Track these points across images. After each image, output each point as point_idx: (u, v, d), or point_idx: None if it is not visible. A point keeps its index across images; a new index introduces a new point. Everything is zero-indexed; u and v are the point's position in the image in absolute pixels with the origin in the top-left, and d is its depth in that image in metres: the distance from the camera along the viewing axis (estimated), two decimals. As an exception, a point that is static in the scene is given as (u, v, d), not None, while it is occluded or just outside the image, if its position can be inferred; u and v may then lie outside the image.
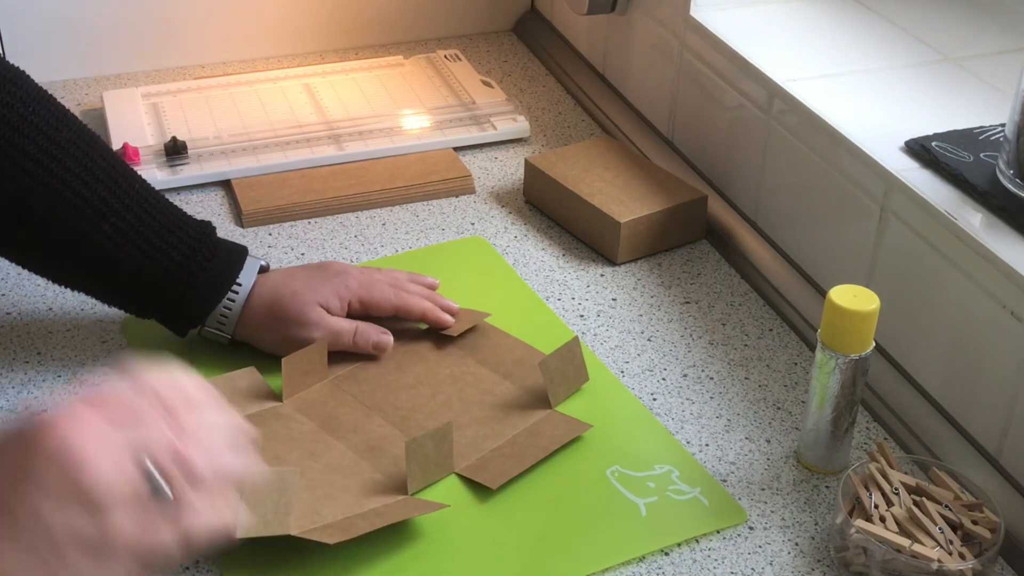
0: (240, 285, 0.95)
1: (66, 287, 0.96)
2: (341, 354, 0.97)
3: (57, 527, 0.53)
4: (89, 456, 0.54)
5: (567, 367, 0.94)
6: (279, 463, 0.86)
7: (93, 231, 0.91)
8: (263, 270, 0.98)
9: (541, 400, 0.94)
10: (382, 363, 0.98)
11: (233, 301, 0.95)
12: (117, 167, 0.93)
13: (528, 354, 0.99)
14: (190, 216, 0.96)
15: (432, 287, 1.02)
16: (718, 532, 0.84)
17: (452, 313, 1.00)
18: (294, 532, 0.79)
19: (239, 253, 0.97)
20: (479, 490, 0.86)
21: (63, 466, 0.54)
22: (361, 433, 0.90)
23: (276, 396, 0.94)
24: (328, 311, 0.96)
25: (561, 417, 0.93)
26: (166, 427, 0.58)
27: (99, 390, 0.57)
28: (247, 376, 0.94)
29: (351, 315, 0.98)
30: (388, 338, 0.97)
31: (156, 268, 0.93)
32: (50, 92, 0.93)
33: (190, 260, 0.94)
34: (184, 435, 0.58)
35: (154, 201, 0.94)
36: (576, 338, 0.95)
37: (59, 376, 0.96)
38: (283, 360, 0.93)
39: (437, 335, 1.01)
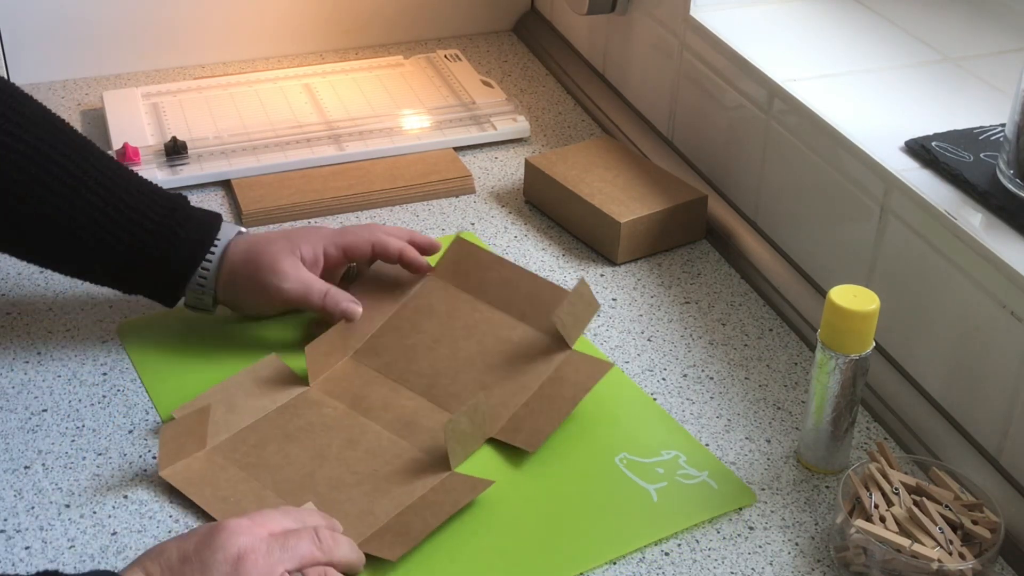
0: (219, 240, 0.97)
1: (52, 267, 0.96)
2: (354, 326, 0.98)
3: None
4: (250, 556, 0.70)
5: (577, 308, 0.96)
6: (322, 458, 0.88)
7: (75, 199, 0.92)
8: (241, 234, 0.99)
9: (559, 339, 0.96)
10: (396, 326, 0.99)
11: (213, 254, 0.96)
12: (85, 141, 0.95)
13: (536, 287, 1.00)
14: (160, 190, 0.98)
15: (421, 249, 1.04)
16: (718, 532, 0.84)
17: (431, 251, 1.02)
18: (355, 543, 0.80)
19: (215, 216, 0.98)
20: (513, 453, 0.88)
21: (230, 560, 0.70)
22: (393, 410, 0.92)
23: (301, 380, 0.95)
24: (303, 260, 0.97)
25: (582, 357, 0.95)
26: (312, 544, 0.74)
27: (261, 514, 0.75)
28: (270, 365, 0.95)
29: (330, 262, 0.99)
30: (357, 308, 0.97)
31: (138, 230, 0.94)
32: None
33: (170, 219, 0.95)
34: (323, 550, 0.74)
35: (125, 171, 0.96)
36: (582, 279, 0.96)
37: (59, 376, 0.96)
38: (306, 348, 0.94)
39: (442, 282, 1.02)
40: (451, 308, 1.00)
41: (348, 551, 0.76)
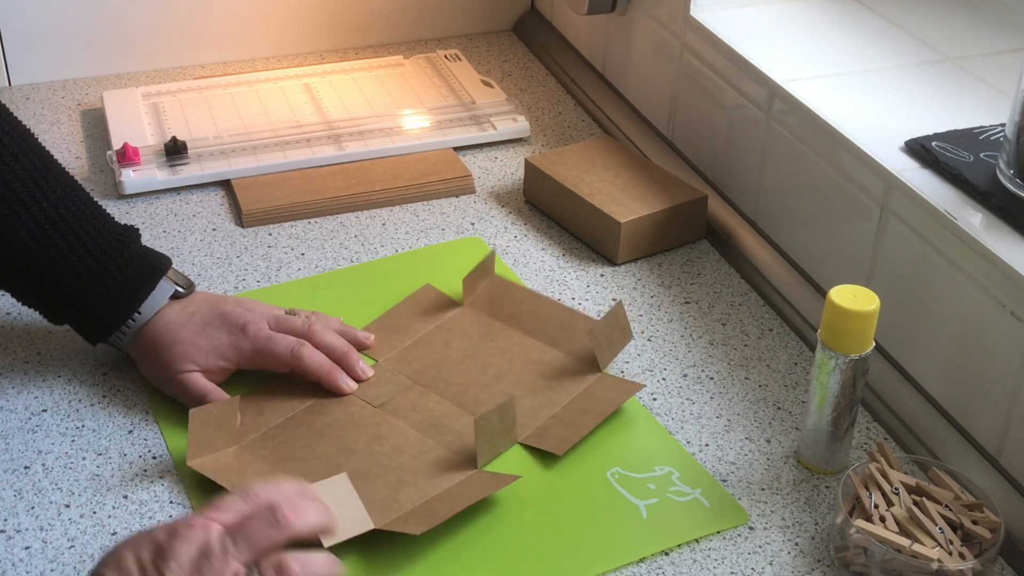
0: (140, 314, 0.93)
1: None
2: (386, 340, 0.99)
3: None
4: (204, 562, 0.68)
5: (613, 331, 0.96)
6: (349, 452, 0.88)
7: (8, 232, 0.90)
8: (179, 295, 0.95)
9: (590, 364, 0.96)
10: (429, 343, 0.99)
11: (129, 327, 0.93)
12: (41, 166, 0.92)
13: (569, 317, 1.01)
14: (114, 223, 0.95)
15: (361, 346, 0.98)
16: (718, 532, 0.84)
17: (359, 379, 0.95)
18: (378, 525, 0.81)
19: (152, 273, 0.94)
20: (542, 457, 0.89)
21: (185, 569, 0.68)
22: (420, 411, 0.92)
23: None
24: (205, 372, 0.92)
25: (613, 379, 0.95)
26: (267, 525, 0.71)
27: (220, 503, 0.72)
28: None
29: (239, 367, 0.94)
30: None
31: (63, 280, 0.92)
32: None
33: (96, 278, 0.92)
34: (279, 526, 0.71)
35: (74, 207, 0.92)
36: (620, 302, 0.97)
37: (59, 376, 0.96)
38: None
39: (477, 309, 1.03)
40: (484, 333, 1.00)
41: (313, 516, 0.73)
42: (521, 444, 0.90)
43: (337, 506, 0.79)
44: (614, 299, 1.05)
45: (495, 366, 0.97)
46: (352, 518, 0.80)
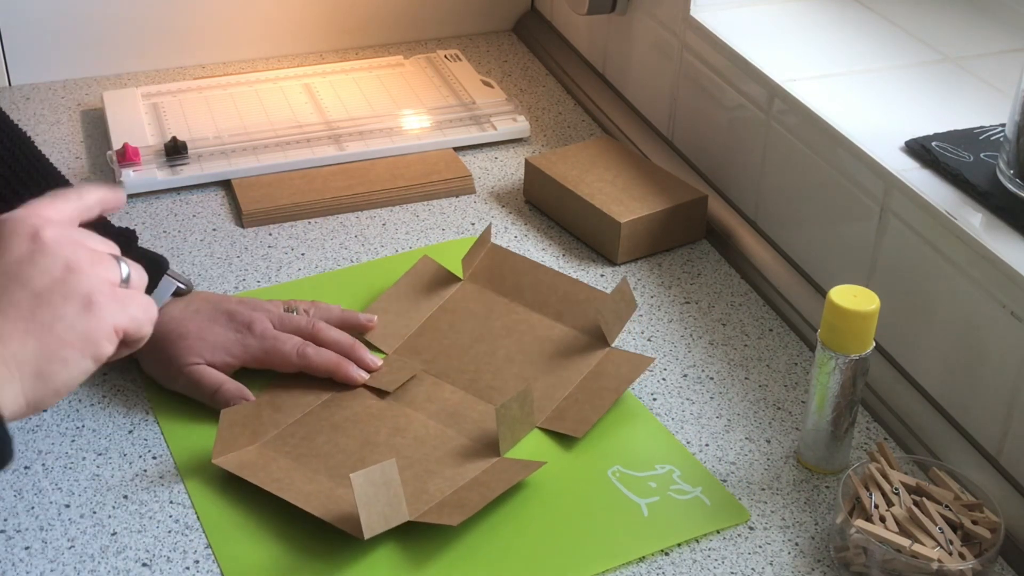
0: None
1: None
2: (391, 327, 0.99)
3: (44, 291, 0.65)
4: (46, 231, 0.66)
5: (619, 305, 0.98)
6: (371, 445, 0.88)
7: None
8: (180, 292, 0.95)
9: (598, 338, 0.98)
10: (436, 327, 1.00)
11: None
12: (38, 170, 0.92)
13: (572, 287, 1.02)
14: (111, 227, 0.95)
15: (363, 329, 0.99)
16: (718, 532, 0.84)
17: (370, 369, 0.95)
18: (413, 518, 0.81)
19: (153, 271, 0.92)
20: (549, 450, 0.89)
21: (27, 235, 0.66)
22: (437, 402, 0.93)
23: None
24: (212, 366, 0.92)
25: (622, 354, 0.96)
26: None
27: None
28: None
29: (248, 366, 0.94)
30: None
31: None
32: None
33: None
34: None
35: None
36: (625, 278, 0.99)
37: (59, 376, 0.96)
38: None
39: (477, 286, 1.03)
40: (488, 310, 1.01)
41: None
42: (539, 428, 0.91)
43: (382, 493, 0.79)
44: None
45: (504, 348, 0.97)
46: (392, 507, 0.80)
